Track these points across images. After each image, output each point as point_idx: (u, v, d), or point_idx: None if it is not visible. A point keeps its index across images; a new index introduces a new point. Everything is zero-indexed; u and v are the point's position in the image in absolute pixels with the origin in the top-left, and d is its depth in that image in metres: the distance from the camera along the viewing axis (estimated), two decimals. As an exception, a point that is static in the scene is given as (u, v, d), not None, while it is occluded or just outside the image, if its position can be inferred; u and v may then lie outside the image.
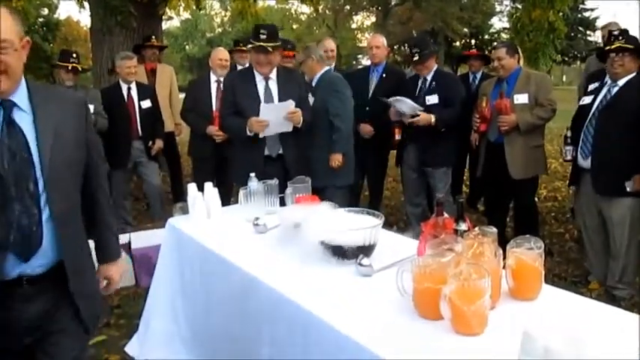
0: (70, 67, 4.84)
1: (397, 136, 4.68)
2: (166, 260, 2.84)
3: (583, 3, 29.66)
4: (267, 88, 3.73)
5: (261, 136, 3.66)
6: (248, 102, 3.67)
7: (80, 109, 1.84)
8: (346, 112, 4.26)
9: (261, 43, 3.58)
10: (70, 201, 1.75)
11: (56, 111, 1.72)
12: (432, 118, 4.38)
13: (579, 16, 32.53)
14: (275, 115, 3.62)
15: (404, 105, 4.41)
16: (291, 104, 3.63)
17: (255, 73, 3.74)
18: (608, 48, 3.62)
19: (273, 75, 3.75)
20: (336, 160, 4.19)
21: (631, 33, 3.65)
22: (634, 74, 3.55)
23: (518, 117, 4.12)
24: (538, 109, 4.15)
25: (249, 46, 3.70)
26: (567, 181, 4.44)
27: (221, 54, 5.16)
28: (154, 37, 6.27)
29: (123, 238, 4.13)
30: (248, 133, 3.64)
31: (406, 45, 26.62)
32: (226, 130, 4.17)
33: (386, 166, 5.39)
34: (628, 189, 3.44)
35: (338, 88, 4.26)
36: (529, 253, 1.71)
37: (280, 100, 3.71)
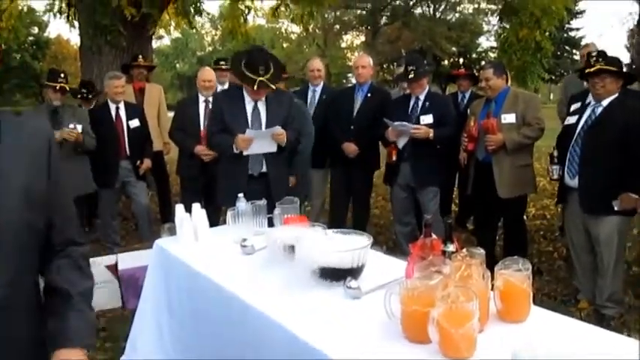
0: (57, 87, 4.83)
1: (394, 157, 4.63)
2: (153, 282, 2.81)
3: (569, 23, 30.25)
4: (255, 109, 3.72)
5: (245, 153, 3.66)
6: (235, 122, 3.66)
7: (39, 145, 1.31)
8: (310, 131, 4.57)
9: (262, 79, 3.51)
10: (9, 287, 1.22)
11: (3, 147, 1.23)
12: (431, 132, 4.38)
13: (565, 35, 33.13)
14: (261, 136, 3.63)
15: (404, 126, 4.42)
16: (277, 129, 3.63)
17: (245, 94, 3.72)
18: (588, 70, 3.67)
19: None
20: (292, 181, 4.39)
21: (615, 55, 3.71)
22: (617, 94, 3.59)
23: (505, 136, 4.15)
24: (525, 129, 4.18)
25: (255, 86, 3.51)
26: (555, 200, 4.47)
27: (206, 75, 5.11)
28: (141, 56, 6.26)
29: (110, 259, 4.10)
30: (234, 150, 3.64)
31: (395, 64, 26.87)
32: (214, 146, 4.16)
33: (371, 185, 5.37)
34: (615, 208, 3.46)
35: (303, 109, 4.52)
36: (517, 274, 1.71)
37: (267, 120, 3.71)
